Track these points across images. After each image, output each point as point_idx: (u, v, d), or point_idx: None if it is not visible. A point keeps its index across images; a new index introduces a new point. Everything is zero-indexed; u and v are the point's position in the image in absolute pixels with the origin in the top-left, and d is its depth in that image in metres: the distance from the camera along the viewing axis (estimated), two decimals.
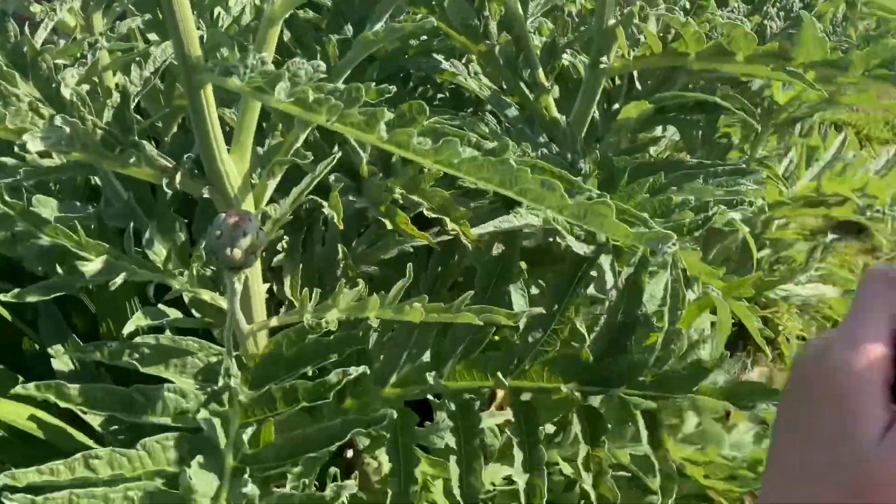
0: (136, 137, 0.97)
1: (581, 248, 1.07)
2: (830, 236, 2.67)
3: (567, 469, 1.47)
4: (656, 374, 1.03)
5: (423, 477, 1.18)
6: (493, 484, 1.35)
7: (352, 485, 0.78)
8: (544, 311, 1.05)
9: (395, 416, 1.15)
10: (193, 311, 1.25)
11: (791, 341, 2.95)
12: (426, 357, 1.17)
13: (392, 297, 0.96)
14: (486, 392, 1.14)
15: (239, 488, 0.80)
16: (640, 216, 0.72)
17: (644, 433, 0.99)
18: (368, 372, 0.92)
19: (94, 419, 1.05)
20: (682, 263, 1.05)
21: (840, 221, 3.75)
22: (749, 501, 1.60)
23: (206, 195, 1.00)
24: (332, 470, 1.33)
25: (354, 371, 0.90)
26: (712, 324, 2.07)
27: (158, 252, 1.20)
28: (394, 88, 0.95)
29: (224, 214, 0.89)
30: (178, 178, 0.98)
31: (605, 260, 1.07)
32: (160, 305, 1.17)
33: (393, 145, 0.81)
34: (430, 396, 1.43)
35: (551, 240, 1.46)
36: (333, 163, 1.08)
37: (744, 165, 1.17)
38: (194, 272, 1.01)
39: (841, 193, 2.16)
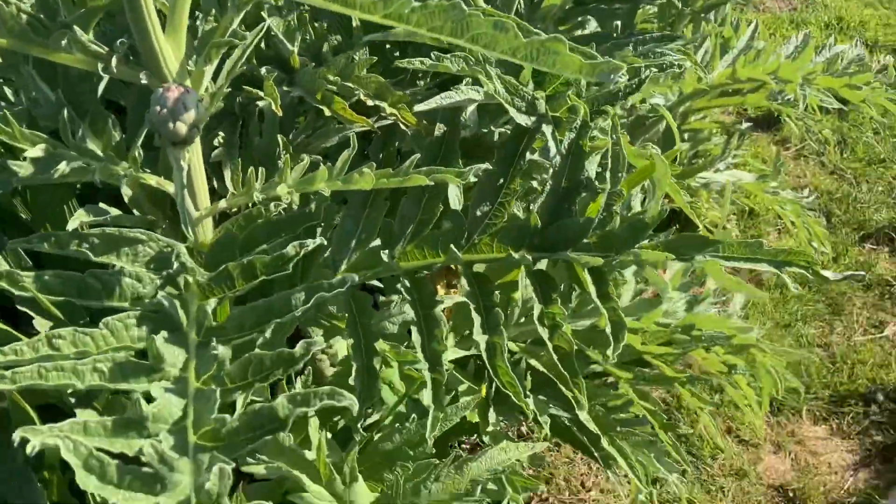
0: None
1: (523, 119, 1.09)
2: (745, 124, 2.77)
3: (513, 347, 1.52)
4: (600, 235, 1.07)
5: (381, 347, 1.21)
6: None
7: (319, 340, 0.79)
8: (491, 180, 1.07)
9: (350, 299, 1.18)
10: (135, 212, 1.23)
11: (712, 231, 3.07)
12: (377, 242, 1.18)
13: (339, 169, 0.97)
14: (438, 268, 1.17)
15: (207, 353, 0.81)
16: (589, 52, 0.74)
17: (592, 288, 1.04)
18: (325, 243, 0.93)
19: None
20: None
21: (752, 117, 3.89)
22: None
23: (143, 81, 0.97)
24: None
25: (311, 243, 0.91)
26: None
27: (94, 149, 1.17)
28: None
29: (162, 89, 0.88)
30: (113, 63, 0.95)
31: (546, 129, 1.09)
32: (101, 205, 1.14)
33: (338, 4, 0.80)
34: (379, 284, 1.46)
35: (486, 130, 1.48)
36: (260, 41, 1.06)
37: (671, 33, 1.19)
38: (137, 156, 0.99)
39: (755, 78, 2.23)
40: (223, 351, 0.80)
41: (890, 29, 4.54)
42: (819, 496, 2.30)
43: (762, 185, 2.62)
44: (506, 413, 1.48)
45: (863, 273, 2.69)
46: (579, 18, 1.97)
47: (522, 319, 1.58)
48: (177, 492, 0.71)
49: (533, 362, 1.50)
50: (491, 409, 1.44)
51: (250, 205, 1.02)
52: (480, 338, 1.03)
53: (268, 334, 0.83)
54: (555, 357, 1.01)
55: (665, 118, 1.85)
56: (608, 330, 0.99)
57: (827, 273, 1.00)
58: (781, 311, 2.87)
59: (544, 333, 1.01)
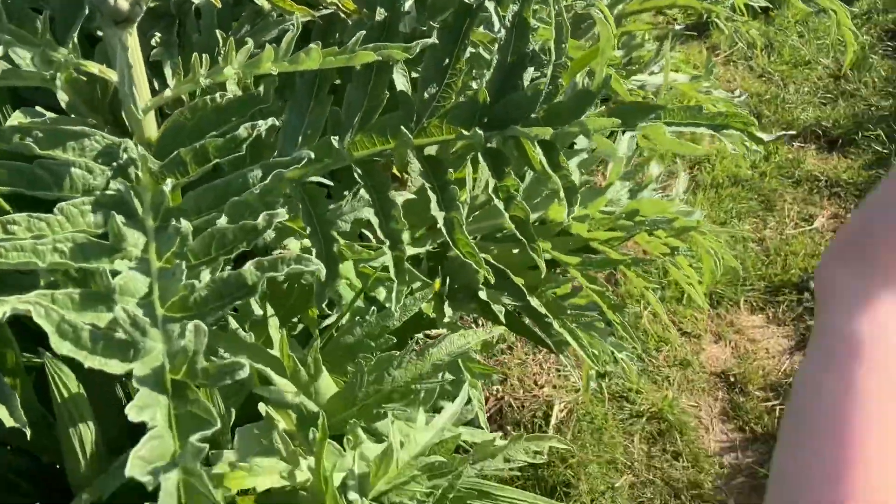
0: None
1: None
2: (677, 26, 2.80)
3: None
4: (548, 108, 1.09)
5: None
6: None
7: (282, 213, 0.80)
8: (437, 60, 1.07)
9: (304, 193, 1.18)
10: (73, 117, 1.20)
11: None
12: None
13: (284, 50, 0.96)
14: (388, 155, 1.17)
15: (168, 233, 0.81)
16: None
17: (543, 158, 1.06)
18: (277, 123, 0.92)
19: None
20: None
21: (684, 25, 3.91)
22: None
23: None
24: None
25: (263, 123, 0.90)
26: None
27: (23, 55, 1.13)
28: None
29: None
30: None
31: (489, 4, 1.09)
32: (37, 108, 1.11)
33: None
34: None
35: (424, 27, 1.47)
36: None
37: None
38: (75, 42, 0.96)
39: None
40: (185, 225, 0.80)
41: None
42: (758, 379, 2.43)
43: (695, 86, 2.67)
44: (459, 307, 1.51)
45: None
46: None
47: (471, 218, 1.61)
48: (150, 358, 0.72)
49: (485, 256, 1.53)
50: (446, 304, 1.47)
51: (197, 94, 1.01)
52: (438, 213, 1.04)
53: (223, 220, 0.82)
54: (512, 226, 1.03)
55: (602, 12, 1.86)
56: (562, 195, 1.01)
57: (761, 134, 1.04)
58: (717, 209, 2.96)
59: (500, 205, 1.03)
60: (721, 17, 2.51)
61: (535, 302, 1.47)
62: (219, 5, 1.14)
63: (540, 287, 1.53)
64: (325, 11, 1.22)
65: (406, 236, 1.48)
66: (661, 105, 1.06)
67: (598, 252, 1.58)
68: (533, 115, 1.11)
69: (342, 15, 1.25)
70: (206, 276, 0.81)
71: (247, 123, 0.90)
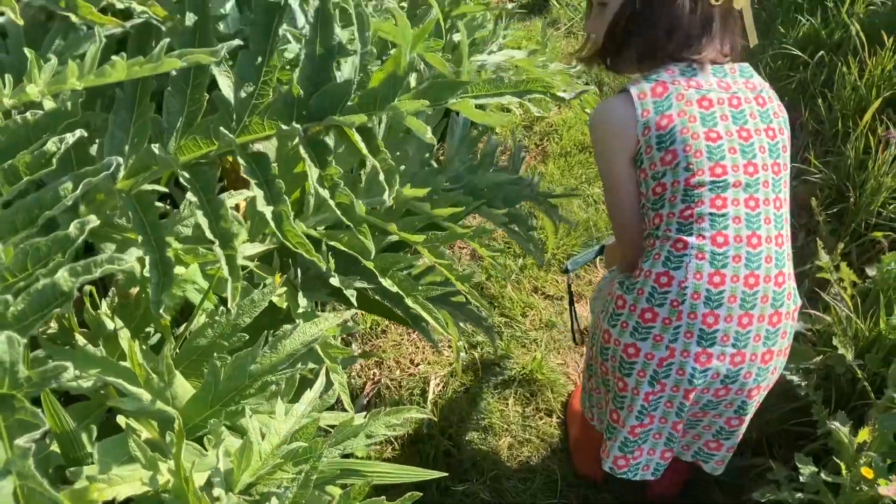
0: None
1: None
2: (510, 4, 2.90)
3: (314, 234, 1.58)
4: (361, 95, 1.14)
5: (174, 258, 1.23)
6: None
7: (93, 218, 0.82)
8: (250, 59, 1.11)
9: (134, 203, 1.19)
10: None
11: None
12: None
13: (89, 64, 0.97)
14: (213, 157, 1.19)
15: None
16: None
17: (363, 145, 1.11)
18: (86, 134, 0.93)
19: None
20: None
21: (524, 3, 4.04)
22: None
23: None
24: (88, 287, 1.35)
25: (71, 136, 0.91)
26: None
27: None
28: None
29: None
30: None
31: (293, 2, 1.13)
32: None
33: None
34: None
35: (244, 26, 1.50)
36: None
37: None
38: None
39: None
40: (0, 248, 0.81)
41: None
42: None
43: (532, 61, 2.78)
44: (314, 296, 1.55)
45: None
46: None
47: (317, 212, 1.65)
48: None
49: (334, 244, 1.57)
50: (300, 294, 1.51)
51: (2, 116, 1.00)
52: (266, 209, 1.08)
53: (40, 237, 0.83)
54: (338, 212, 1.08)
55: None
56: (382, 178, 1.07)
57: (562, 94, 1.13)
58: (568, 176, 3.10)
59: (325, 194, 1.08)
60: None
61: (387, 283, 1.52)
62: (20, 22, 1.13)
63: (392, 268, 1.58)
64: (137, 21, 1.23)
65: (245, 234, 1.51)
66: (465, 81, 1.13)
67: (443, 229, 1.65)
68: (349, 104, 1.16)
69: (155, 22, 1.26)
70: None
71: (55, 138, 0.91)
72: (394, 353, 2.42)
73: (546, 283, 2.69)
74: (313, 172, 1.10)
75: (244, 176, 1.10)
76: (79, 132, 0.92)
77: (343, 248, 1.55)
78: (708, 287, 1.54)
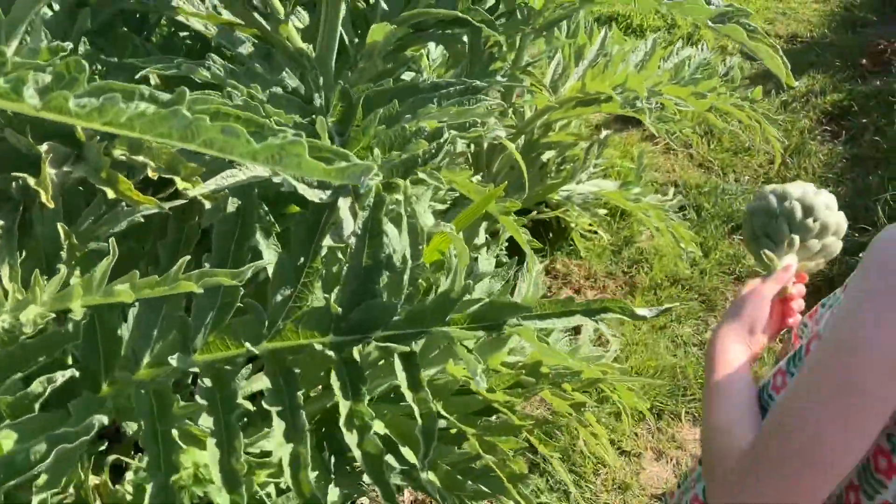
0: None
1: (316, 196, 1.01)
2: (605, 133, 2.76)
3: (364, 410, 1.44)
4: (409, 311, 1.00)
5: (192, 461, 1.10)
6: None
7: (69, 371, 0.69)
8: (291, 260, 0.99)
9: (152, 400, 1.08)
10: None
11: (586, 236, 3.07)
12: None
13: (98, 281, 0.86)
14: (242, 361, 1.07)
15: None
16: (340, 152, 0.67)
17: (402, 375, 0.96)
18: (77, 375, 0.82)
19: None
20: (421, 203, 1.01)
21: (621, 116, 3.91)
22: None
23: None
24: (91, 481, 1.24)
25: (61, 376, 0.80)
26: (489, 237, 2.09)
27: None
28: (69, 45, 0.84)
29: None
30: None
31: (343, 204, 1.01)
32: None
33: (51, 111, 0.70)
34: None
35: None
36: None
37: (478, 83, 1.12)
38: None
39: (603, 91, 2.21)
40: None
41: None
42: None
43: (625, 193, 2.62)
44: (348, 486, 1.40)
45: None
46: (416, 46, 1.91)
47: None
48: None
49: (377, 424, 1.42)
50: (332, 485, 1.36)
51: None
52: (284, 448, 0.93)
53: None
54: (364, 462, 0.93)
55: (509, 149, 1.80)
56: (419, 429, 0.91)
57: (642, 311, 0.97)
58: None
59: (352, 440, 0.92)
60: (646, 121, 2.45)
61: (426, 476, 1.36)
62: (51, 204, 1.05)
63: (436, 459, 1.42)
64: (176, 203, 1.13)
65: None
66: (526, 306, 0.97)
67: (500, 412, 1.49)
68: (395, 318, 1.02)
69: (200, 199, 1.16)
70: None
71: (42, 378, 0.79)
72: None
73: (623, 437, 2.46)
74: (344, 407, 0.95)
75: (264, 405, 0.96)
76: (69, 372, 0.81)
77: (384, 428, 1.40)
78: None
